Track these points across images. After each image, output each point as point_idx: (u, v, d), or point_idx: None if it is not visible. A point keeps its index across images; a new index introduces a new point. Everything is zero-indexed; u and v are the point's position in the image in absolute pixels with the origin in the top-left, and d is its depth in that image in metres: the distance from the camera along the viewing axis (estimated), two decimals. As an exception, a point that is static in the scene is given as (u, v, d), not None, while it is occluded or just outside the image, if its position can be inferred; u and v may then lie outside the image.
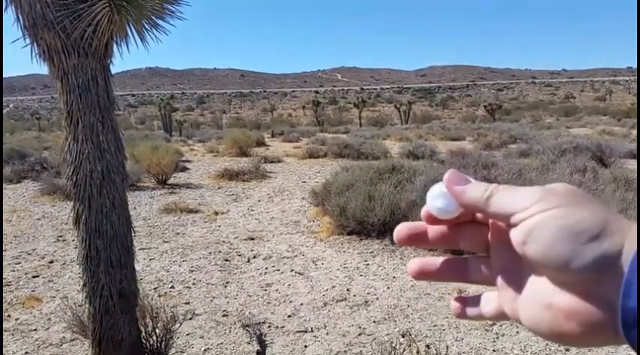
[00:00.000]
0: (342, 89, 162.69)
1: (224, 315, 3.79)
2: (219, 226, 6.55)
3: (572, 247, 0.30)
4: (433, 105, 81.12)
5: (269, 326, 3.58)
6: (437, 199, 0.38)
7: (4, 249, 5.62)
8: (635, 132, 17.52)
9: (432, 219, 0.39)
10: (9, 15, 2.57)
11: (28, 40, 2.55)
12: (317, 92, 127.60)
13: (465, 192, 0.36)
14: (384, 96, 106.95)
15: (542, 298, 0.33)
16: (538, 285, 0.34)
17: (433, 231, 0.41)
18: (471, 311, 0.40)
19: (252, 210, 7.39)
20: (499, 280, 0.37)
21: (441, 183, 0.38)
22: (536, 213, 0.32)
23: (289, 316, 3.75)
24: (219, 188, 9.32)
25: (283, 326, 3.58)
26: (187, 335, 3.47)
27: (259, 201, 8.04)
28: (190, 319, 3.67)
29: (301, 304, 3.95)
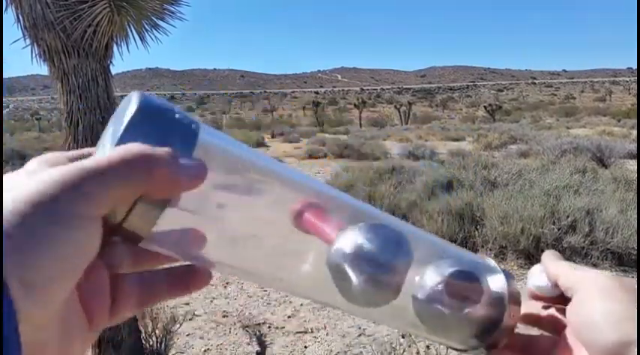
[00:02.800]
0: (342, 90, 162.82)
1: (224, 316, 3.79)
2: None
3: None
4: (433, 106, 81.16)
5: (269, 327, 3.59)
6: (535, 277, 0.41)
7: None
8: (635, 132, 17.53)
9: (534, 296, 0.42)
10: (9, 15, 2.57)
11: (28, 41, 2.55)
12: (317, 93, 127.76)
13: (549, 270, 0.40)
14: (384, 97, 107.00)
15: None
16: None
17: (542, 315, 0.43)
18: None
19: (252, 211, 7.39)
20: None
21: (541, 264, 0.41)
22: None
23: (289, 317, 3.75)
24: (219, 188, 9.32)
25: (283, 327, 3.58)
26: (187, 335, 3.47)
27: (259, 201, 8.04)
28: (190, 320, 3.67)
29: (301, 305, 3.95)
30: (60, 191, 0.22)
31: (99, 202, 0.23)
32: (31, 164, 0.26)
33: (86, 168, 0.23)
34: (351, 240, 0.31)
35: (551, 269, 0.40)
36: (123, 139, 0.23)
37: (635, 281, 0.36)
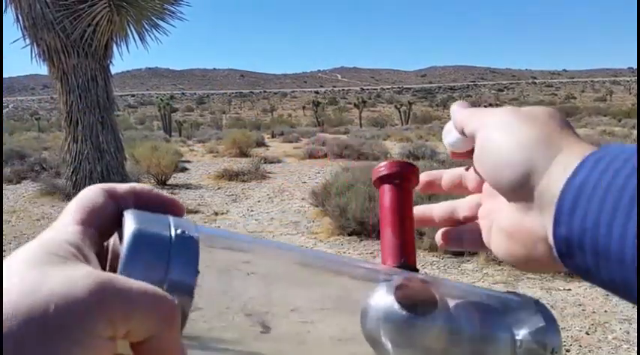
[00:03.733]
0: (342, 89, 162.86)
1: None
2: (218, 226, 6.55)
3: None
4: (433, 106, 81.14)
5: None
6: (447, 134, 0.39)
7: (3, 250, 5.62)
8: (635, 132, 17.52)
9: (452, 153, 0.41)
10: (9, 15, 2.56)
11: (27, 41, 2.54)
12: (317, 92, 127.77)
13: (455, 121, 0.38)
14: (384, 97, 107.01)
15: (497, 221, 0.33)
16: (498, 210, 0.34)
17: (446, 179, 0.42)
18: (453, 241, 0.41)
19: (251, 211, 7.38)
20: (480, 210, 0.38)
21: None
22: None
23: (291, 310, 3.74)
24: (218, 188, 9.32)
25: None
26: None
27: (259, 201, 8.04)
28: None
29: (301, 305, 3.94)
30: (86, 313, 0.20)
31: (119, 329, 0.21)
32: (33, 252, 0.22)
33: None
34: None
35: (456, 119, 0.37)
36: (125, 271, 0.23)
37: (537, 108, 0.33)
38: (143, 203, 0.27)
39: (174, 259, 0.24)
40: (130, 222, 0.24)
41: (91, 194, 0.27)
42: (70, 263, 0.22)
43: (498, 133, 0.31)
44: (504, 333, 0.34)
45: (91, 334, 0.20)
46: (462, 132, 0.36)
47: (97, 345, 0.20)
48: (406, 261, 0.37)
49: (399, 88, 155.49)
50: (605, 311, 3.40)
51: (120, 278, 0.21)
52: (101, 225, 0.26)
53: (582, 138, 0.29)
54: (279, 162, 13.21)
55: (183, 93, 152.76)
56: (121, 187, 0.27)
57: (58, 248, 0.22)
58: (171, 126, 30.26)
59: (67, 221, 0.25)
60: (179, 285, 0.24)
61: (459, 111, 0.38)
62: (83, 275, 0.20)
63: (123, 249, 0.24)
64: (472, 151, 0.35)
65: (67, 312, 0.19)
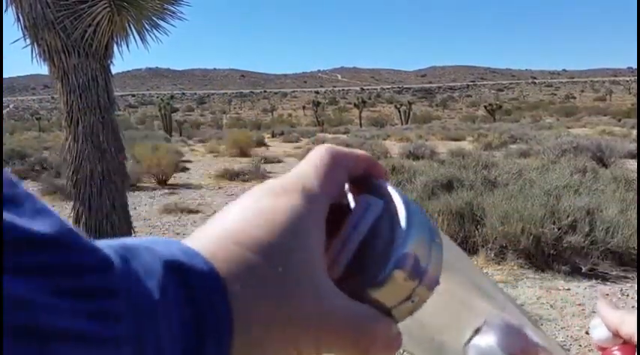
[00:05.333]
0: (342, 89, 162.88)
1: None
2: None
3: None
4: (433, 106, 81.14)
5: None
6: (595, 329, 0.44)
7: (4, 249, 5.62)
8: (635, 132, 17.52)
9: (599, 347, 0.44)
10: (9, 15, 2.57)
11: (28, 41, 2.55)
12: (317, 92, 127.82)
13: (608, 322, 0.43)
14: (384, 97, 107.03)
15: None
16: None
17: None
18: None
19: (252, 211, 7.39)
20: None
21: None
22: None
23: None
24: (219, 188, 9.32)
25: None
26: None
27: (259, 201, 8.04)
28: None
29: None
30: None
31: None
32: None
33: None
34: None
35: (609, 320, 0.42)
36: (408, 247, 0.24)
37: None
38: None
39: (433, 259, 0.25)
40: (409, 216, 0.25)
41: (332, 163, 0.27)
42: None
43: None
44: None
45: None
46: (616, 332, 0.42)
47: None
48: None
49: (399, 87, 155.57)
50: (605, 310, 3.41)
51: None
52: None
53: None
54: (279, 162, 13.22)
55: (183, 93, 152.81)
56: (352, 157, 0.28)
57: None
58: (172, 126, 30.27)
59: (317, 192, 0.25)
60: (433, 281, 0.25)
61: (610, 312, 0.43)
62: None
63: (405, 234, 0.24)
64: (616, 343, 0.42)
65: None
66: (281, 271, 0.22)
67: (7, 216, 0.16)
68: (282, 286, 0.22)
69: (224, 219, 0.24)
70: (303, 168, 0.27)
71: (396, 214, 0.25)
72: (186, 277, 0.21)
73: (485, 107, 37.42)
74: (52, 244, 0.17)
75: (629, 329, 0.40)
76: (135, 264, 0.20)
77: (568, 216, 4.41)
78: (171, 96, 50.13)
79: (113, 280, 0.18)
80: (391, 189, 0.26)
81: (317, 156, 0.27)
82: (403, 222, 0.24)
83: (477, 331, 0.30)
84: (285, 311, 0.22)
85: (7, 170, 0.18)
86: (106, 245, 0.20)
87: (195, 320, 0.20)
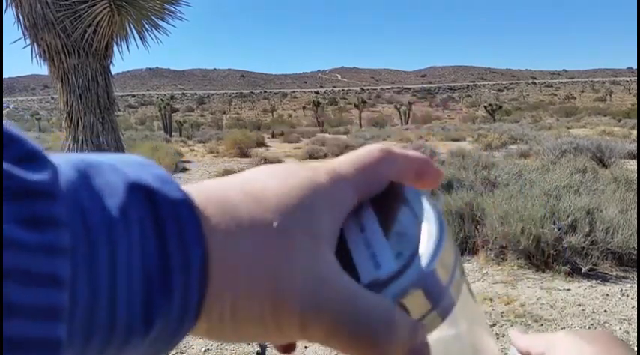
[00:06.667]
0: (342, 90, 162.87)
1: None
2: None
3: None
4: (433, 106, 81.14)
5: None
6: None
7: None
8: (635, 132, 17.52)
9: None
10: (9, 15, 2.57)
11: (28, 41, 2.55)
12: (317, 93, 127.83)
13: (520, 347, 0.47)
14: (384, 97, 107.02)
15: None
16: None
17: None
18: None
19: (252, 211, 7.39)
20: None
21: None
22: None
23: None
24: (219, 188, 9.33)
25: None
26: (187, 335, 3.47)
27: (259, 201, 8.04)
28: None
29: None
30: None
31: None
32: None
33: None
34: None
35: (520, 345, 0.46)
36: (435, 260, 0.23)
37: (596, 331, 0.42)
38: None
39: (454, 286, 0.24)
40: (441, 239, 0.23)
41: (375, 169, 0.25)
42: None
43: (564, 352, 0.40)
44: None
45: None
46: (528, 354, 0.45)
47: None
48: None
49: (399, 88, 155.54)
50: (605, 311, 3.41)
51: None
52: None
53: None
54: (279, 162, 13.21)
55: (183, 94, 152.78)
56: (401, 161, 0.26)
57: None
58: (172, 126, 30.27)
59: (349, 193, 0.24)
60: (447, 308, 0.23)
61: (520, 337, 0.46)
62: None
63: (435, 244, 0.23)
64: None
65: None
66: (276, 227, 0.20)
67: None
68: (274, 242, 0.20)
69: (240, 173, 0.23)
70: (348, 156, 0.26)
71: (428, 229, 0.23)
72: (154, 203, 0.19)
73: (485, 107, 37.43)
74: None
75: (537, 349, 0.43)
76: (96, 181, 0.18)
77: (568, 217, 4.41)
78: (171, 97, 50.15)
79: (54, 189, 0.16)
80: (427, 203, 0.25)
81: (367, 150, 0.26)
82: (433, 241, 0.23)
83: None
84: (271, 271, 0.20)
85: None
86: (65, 160, 0.18)
87: (160, 252, 0.18)
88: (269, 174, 0.23)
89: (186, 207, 0.19)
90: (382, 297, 0.21)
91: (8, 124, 0.16)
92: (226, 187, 0.21)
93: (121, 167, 0.19)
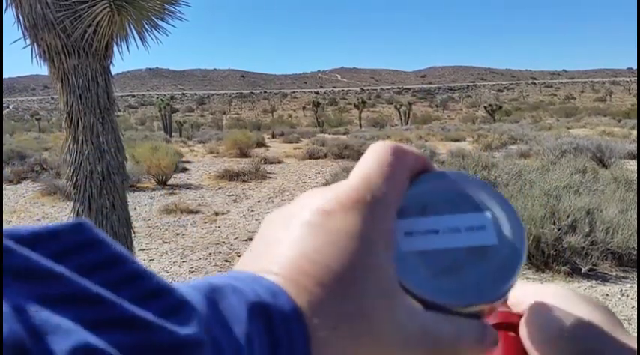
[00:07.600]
0: (342, 90, 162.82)
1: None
2: (219, 227, 6.55)
3: None
4: (433, 106, 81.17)
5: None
6: None
7: (4, 249, 5.61)
8: (635, 132, 17.53)
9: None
10: (9, 15, 2.57)
11: (28, 41, 2.55)
12: (317, 93, 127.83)
13: None
14: (384, 97, 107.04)
15: None
16: None
17: None
18: None
19: (252, 211, 7.39)
20: None
21: None
22: None
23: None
24: (219, 189, 9.32)
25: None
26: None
27: (259, 201, 8.05)
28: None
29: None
30: None
31: None
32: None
33: None
34: None
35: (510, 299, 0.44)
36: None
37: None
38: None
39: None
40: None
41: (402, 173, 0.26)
42: None
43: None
44: None
45: None
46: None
47: None
48: None
49: (398, 88, 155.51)
50: (605, 311, 3.40)
51: None
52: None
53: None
54: (279, 162, 13.22)
55: (183, 94, 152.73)
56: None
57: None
58: (172, 126, 30.28)
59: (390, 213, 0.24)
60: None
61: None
62: None
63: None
64: None
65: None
66: (353, 300, 0.21)
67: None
68: (356, 318, 0.21)
69: (289, 238, 0.24)
70: (368, 168, 0.25)
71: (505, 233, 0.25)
72: (271, 323, 0.20)
73: (485, 108, 37.43)
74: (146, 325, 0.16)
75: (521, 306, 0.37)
76: (222, 305, 0.19)
77: (568, 217, 4.41)
78: (171, 97, 50.13)
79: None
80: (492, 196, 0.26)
81: (380, 154, 0.25)
82: (518, 244, 0.24)
83: None
84: (363, 344, 0.21)
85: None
86: (193, 287, 0.20)
87: None
88: (319, 240, 0.23)
89: (296, 322, 0.20)
90: (442, 321, 0.23)
91: (158, 277, 0.18)
92: (317, 281, 0.21)
93: (240, 286, 0.20)
